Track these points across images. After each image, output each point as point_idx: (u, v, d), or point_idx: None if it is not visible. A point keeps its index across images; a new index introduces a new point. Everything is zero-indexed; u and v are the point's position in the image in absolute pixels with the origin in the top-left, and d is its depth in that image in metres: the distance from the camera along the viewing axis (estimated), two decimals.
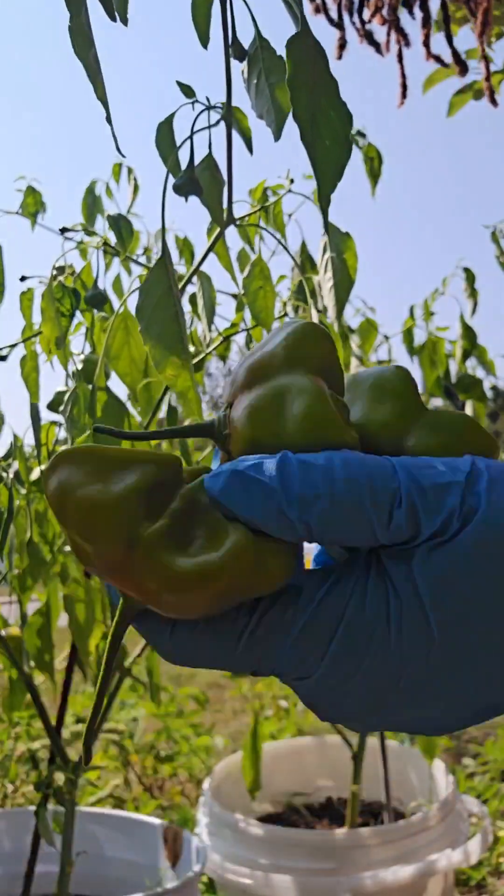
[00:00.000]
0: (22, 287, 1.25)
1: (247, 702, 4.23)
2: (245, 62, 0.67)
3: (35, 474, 1.21)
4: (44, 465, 1.23)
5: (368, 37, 0.85)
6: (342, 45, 0.86)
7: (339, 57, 0.88)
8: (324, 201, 0.52)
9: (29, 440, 1.29)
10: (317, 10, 0.97)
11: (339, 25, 0.85)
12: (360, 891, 1.33)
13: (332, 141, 0.51)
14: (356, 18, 0.84)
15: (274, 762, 1.93)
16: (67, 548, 1.36)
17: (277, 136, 0.63)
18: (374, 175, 1.26)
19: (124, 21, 0.51)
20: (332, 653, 0.33)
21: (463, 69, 0.84)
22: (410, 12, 0.83)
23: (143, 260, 1.45)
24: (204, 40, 0.68)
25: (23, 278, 1.19)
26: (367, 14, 0.83)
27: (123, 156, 0.56)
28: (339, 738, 1.72)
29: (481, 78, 0.99)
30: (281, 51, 0.65)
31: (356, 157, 1.37)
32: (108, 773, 2.44)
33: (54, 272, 1.19)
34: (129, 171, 1.37)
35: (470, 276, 1.36)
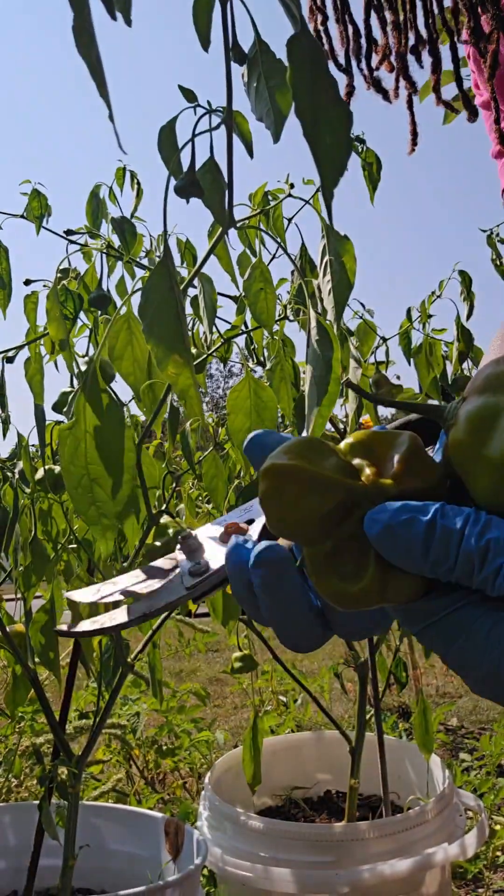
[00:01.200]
0: (26, 290, 1.27)
1: (247, 697, 4.25)
2: (245, 66, 0.69)
3: (40, 474, 1.23)
4: (48, 465, 1.25)
5: (376, 84, 0.85)
6: (350, 92, 0.87)
7: (347, 103, 0.88)
8: (327, 196, 0.54)
9: (33, 440, 1.30)
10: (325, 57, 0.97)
11: (346, 71, 0.86)
12: (358, 884, 1.34)
13: (332, 139, 0.53)
14: (364, 65, 0.85)
15: (273, 756, 1.95)
16: (71, 545, 1.38)
17: (276, 139, 0.65)
18: (373, 181, 1.27)
19: (127, 21, 0.51)
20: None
21: (473, 114, 0.84)
22: (419, 60, 0.83)
23: (145, 262, 1.46)
24: (205, 43, 0.69)
25: (27, 282, 1.21)
26: (375, 60, 0.83)
27: (125, 152, 0.57)
28: (338, 733, 1.74)
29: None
30: (280, 54, 0.66)
31: (355, 162, 1.38)
32: (111, 768, 2.46)
33: (58, 275, 1.21)
34: (133, 175, 1.39)
35: (466, 280, 1.37)
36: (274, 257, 1.35)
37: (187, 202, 0.78)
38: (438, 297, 1.41)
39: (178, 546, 0.53)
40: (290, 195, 1.20)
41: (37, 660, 1.25)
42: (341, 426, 1.56)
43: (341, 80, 0.86)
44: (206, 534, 0.55)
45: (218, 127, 0.77)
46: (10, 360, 1.23)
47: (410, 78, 0.83)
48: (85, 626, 0.54)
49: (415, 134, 0.88)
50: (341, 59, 0.85)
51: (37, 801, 1.33)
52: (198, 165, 0.78)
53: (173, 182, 0.77)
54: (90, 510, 0.78)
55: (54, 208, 1.30)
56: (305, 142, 0.53)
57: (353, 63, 0.85)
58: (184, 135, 0.79)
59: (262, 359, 1.43)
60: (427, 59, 0.82)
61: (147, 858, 1.49)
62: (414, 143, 0.89)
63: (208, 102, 0.79)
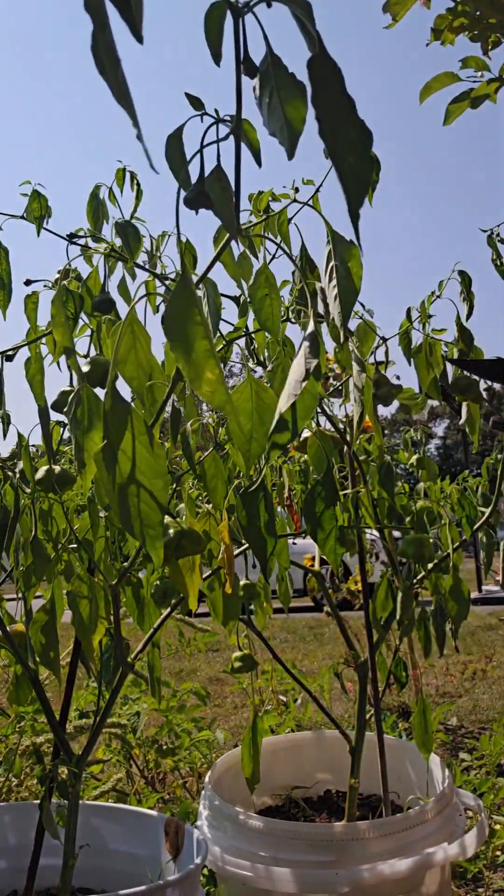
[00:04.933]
0: (27, 290, 1.27)
1: (247, 697, 4.25)
2: (256, 79, 0.69)
3: (40, 474, 1.23)
4: (50, 465, 1.25)
5: None
6: None
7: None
8: (354, 218, 0.54)
9: (33, 440, 1.31)
10: None
11: None
12: (358, 883, 1.34)
13: (354, 158, 0.53)
14: None
15: (273, 756, 1.95)
16: (71, 545, 1.38)
17: (291, 155, 0.64)
18: (372, 182, 1.27)
19: (139, 38, 0.49)
20: None
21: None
22: None
23: (145, 261, 1.46)
24: (216, 57, 0.69)
25: (27, 282, 1.21)
26: None
27: (157, 172, 0.56)
28: (338, 733, 1.74)
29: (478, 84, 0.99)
30: (291, 69, 0.66)
31: None
32: (111, 767, 2.46)
33: (61, 276, 1.21)
34: (133, 176, 1.39)
35: (466, 280, 1.37)
36: (273, 257, 1.35)
37: (196, 213, 0.77)
38: (438, 297, 1.41)
39: None
40: (295, 200, 1.21)
41: (37, 659, 1.25)
42: (341, 426, 1.57)
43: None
44: None
45: (227, 138, 0.77)
46: (10, 358, 1.23)
47: None
48: None
49: None
50: None
51: (37, 801, 1.33)
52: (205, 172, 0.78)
53: (183, 192, 0.76)
54: (136, 524, 0.78)
55: (54, 209, 1.31)
56: (328, 159, 0.53)
57: None
58: (190, 142, 0.79)
59: (262, 359, 1.44)
60: None
61: (147, 858, 1.49)
62: None
63: (216, 111, 0.79)
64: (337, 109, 0.52)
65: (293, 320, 1.30)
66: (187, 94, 0.81)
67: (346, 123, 0.52)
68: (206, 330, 0.66)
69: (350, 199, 0.53)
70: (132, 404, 0.78)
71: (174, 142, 0.76)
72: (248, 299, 1.04)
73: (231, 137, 0.73)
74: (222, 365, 1.44)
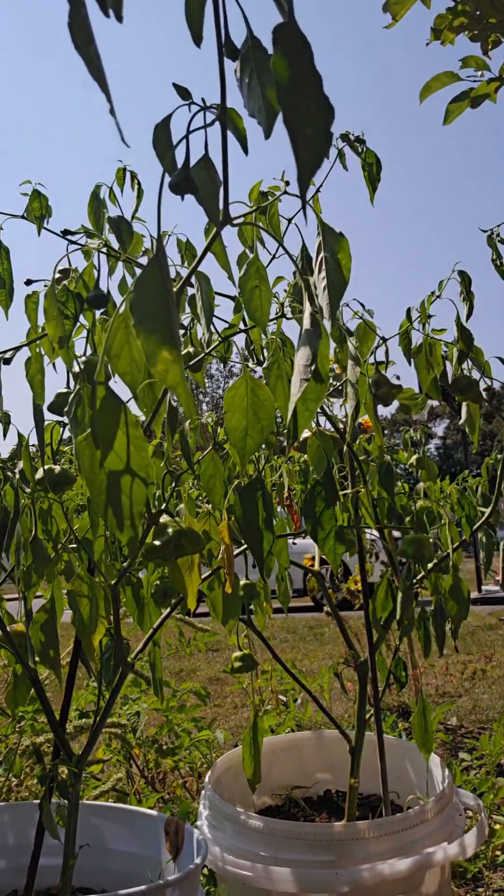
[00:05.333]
0: (27, 290, 1.27)
1: (247, 696, 4.25)
2: (238, 61, 0.69)
3: (40, 474, 1.23)
4: (47, 465, 1.25)
5: None
6: None
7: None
8: (302, 186, 0.54)
9: (34, 440, 1.31)
10: None
11: None
12: (358, 883, 1.34)
13: (312, 130, 0.53)
14: None
15: (273, 756, 1.95)
16: (71, 545, 1.38)
17: (268, 134, 0.65)
18: (373, 181, 1.27)
19: (119, 17, 0.52)
20: None
21: None
22: None
23: (144, 262, 1.46)
24: (197, 40, 0.70)
25: (28, 282, 1.21)
26: None
27: (128, 146, 0.57)
28: (337, 733, 1.74)
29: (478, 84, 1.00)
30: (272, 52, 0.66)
31: (355, 162, 1.38)
32: (111, 767, 2.47)
33: (57, 274, 1.21)
34: (133, 175, 1.39)
35: (465, 280, 1.37)
36: (274, 257, 1.35)
37: (182, 199, 0.78)
38: (438, 297, 1.41)
39: None
40: (286, 192, 1.20)
41: (37, 659, 1.25)
42: (341, 426, 1.57)
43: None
44: None
45: (212, 124, 0.77)
46: (7, 361, 1.23)
47: None
48: None
49: None
50: None
51: (37, 801, 1.33)
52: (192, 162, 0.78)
53: (168, 179, 0.77)
54: (111, 514, 0.78)
55: (54, 209, 1.31)
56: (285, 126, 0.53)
57: None
58: (178, 132, 0.79)
59: (261, 358, 1.43)
60: None
61: (147, 858, 1.49)
62: None
63: (203, 100, 0.79)
64: (300, 79, 0.52)
65: (288, 316, 1.30)
66: (175, 85, 0.81)
67: (310, 96, 0.52)
68: (171, 308, 0.65)
69: (302, 170, 0.53)
70: (129, 402, 0.78)
71: (161, 130, 0.77)
72: (239, 290, 1.04)
73: (217, 125, 0.73)
74: (222, 365, 1.44)
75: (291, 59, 0.52)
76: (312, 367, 0.79)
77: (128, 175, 1.39)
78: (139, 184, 1.40)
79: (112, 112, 0.51)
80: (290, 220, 1.30)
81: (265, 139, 0.65)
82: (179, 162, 0.76)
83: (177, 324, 0.65)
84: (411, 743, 1.80)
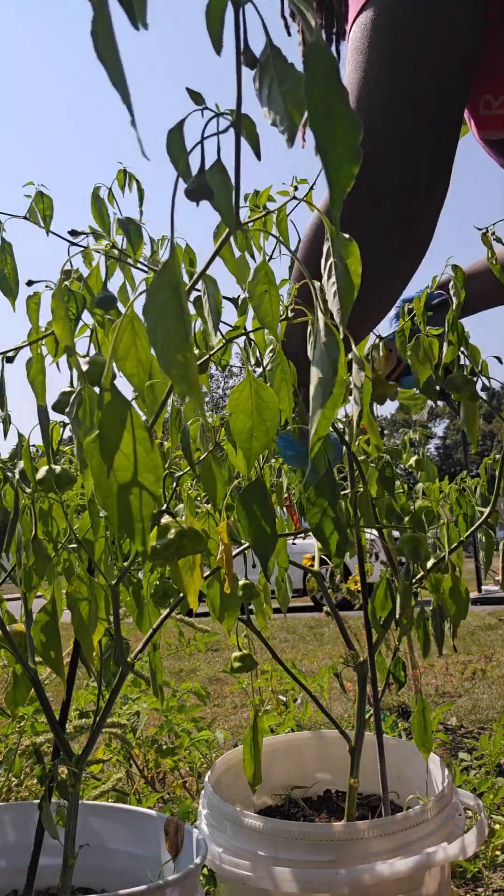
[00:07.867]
0: (28, 290, 1.27)
1: (247, 696, 4.26)
2: (256, 70, 0.69)
3: (40, 474, 1.23)
4: (50, 464, 1.25)
5: None
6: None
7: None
8: (335, 208, 0.54)
9: (34, 440, 1.31)
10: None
11: None
12: (357, 883, 1.34)
13: (342, 149, 0.53)
14: None
15: (273, 756, 1.95)
16: (71, 545, 1.38)
17: (291, 143, 0.65)
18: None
19: (144, 24, 0.51)
20: None
21: None
22: None
23: (145, 266, 1.46)
24: (217, 46, 0.70)
25: (30, 283, 1.21)
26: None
27: (148, 159, 0.57)
28: (337, 733, 1.74)
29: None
30: (289, 59, 0.67)
31: None
32: (111, 767, 2.47)
33: (63, 275, 1.21)
34: (132, 177, 1.39)
35: (459, 275, 1.37)
36: (271, 258, 1.35)
37: (197, 205, 0.78)
38: (433, 292, 1.41)
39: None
40: (294, 197, 1.21)
41: (38, 659, 1.25)
42: (340, 426, 1.57)
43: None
44: None
45: (227, 130, 0.78)
46: (10, 360, 1.23)
47: None
48: None
49: None
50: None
51: (37, 801, 1.33)
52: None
53: (181, 184, 0.77)
54: (119, 517, 0.78)
55: (56, 210, 1.31)
56: (316, 152, 0.53)
57: None
58: (190, 136, 0.79)
59: (262, 360, 1.44)
60: None
61: (147, 858, 1.49)
62: None
63: (216, 105, 0.79)
64: (331, 99, 0.52)
65: (290, 319, 1.30)
66: (188, 90, 0.81)
67: (340, 114, 0.53)
68: (184, 314, 0.66)
69: (334, 191, 0.54)
70: (132, 403, 0.78)
71: (175, 135, 0.77)
72: (248, 295, 1.05)
73: (231, 130, 0.73)
74: (221, 369, 1.44)
75: (322, 80, 0.52)
76: (335, 380, 0.79)
77: (128, 177, 1.39)
78: (139, 183, 1.40)
79: (133, 124, 0.49)
80: (287, 217, 1.30)
81: (288, 148, 0.65)
82: (193, 168, 0.77)
83: (190, 331, 0.65)
84: (411, 743, 1.80)
